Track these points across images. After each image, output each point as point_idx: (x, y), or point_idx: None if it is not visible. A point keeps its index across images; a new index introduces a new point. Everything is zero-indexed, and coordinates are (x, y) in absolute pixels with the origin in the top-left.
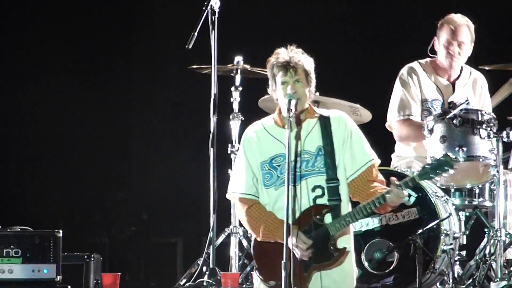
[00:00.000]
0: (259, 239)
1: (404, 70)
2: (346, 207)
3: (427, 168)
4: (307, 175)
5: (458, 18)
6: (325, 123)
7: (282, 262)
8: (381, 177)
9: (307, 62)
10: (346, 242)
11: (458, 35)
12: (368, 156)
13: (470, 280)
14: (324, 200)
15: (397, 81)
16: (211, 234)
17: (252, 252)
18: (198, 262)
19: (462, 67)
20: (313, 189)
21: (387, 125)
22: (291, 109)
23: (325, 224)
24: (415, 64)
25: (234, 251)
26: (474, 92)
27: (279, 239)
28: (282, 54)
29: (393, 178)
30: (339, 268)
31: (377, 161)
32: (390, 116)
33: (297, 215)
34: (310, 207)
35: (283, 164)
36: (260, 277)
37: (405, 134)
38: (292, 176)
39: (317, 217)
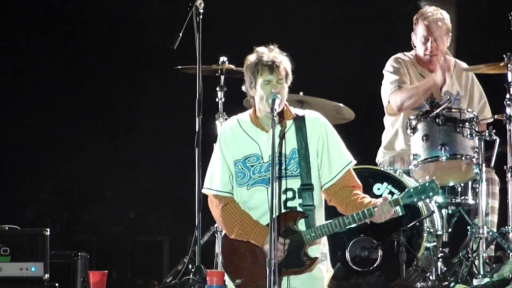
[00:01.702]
0: (231, 237)
1: (392, 60)
2: (319, 213)
3: (412, 192)
4: (285, 175)
5: (432, 12)
6: (300, 124)
7: (267, 259)
8: (358, 181)
9: (288, 63)
10: (318, 250)
11: (434, 30)
12: (345, 159)
13: (453, 277)
14: (295, 203)
15: (386, 68)
16: (196, 232)
17: (221, 249)
18: (184, 260)
19: (445, 57)
20: (285, 192)
21: (385, 107)
22: (275, 109)
23: (301, 231)
24: (401, 55)
25: (219, 249)
26: (460, 83)
27: (252, 240)
28: (265, 53)
29: (386, 196)
30: (308, 273)
31: (353, 162)
32: (383, 95)
33: (263, 216)
34: (285, 212)
35: (257, 164)
36: (227, 274)
37: (400, 102)
38: (265, 177)
39: (292, 223)
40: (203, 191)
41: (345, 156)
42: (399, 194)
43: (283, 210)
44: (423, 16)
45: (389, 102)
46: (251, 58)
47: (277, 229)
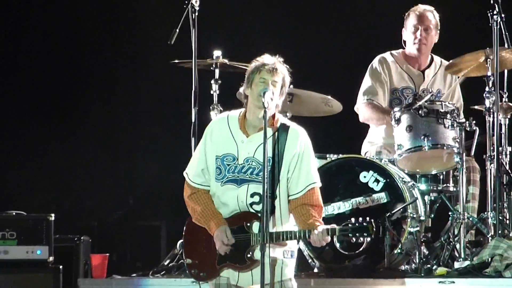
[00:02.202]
0: (193, 220)
1: (375, 60)
2: (279, 220)
3: (349, 227)
4: (249, 181)
5: (423, 6)
6: (282, 135)
7: (260, 244)
8: (320, 201)
9: (287, 75)
10: (280, 252)
11: (423, 20)
12: (311, 179)
13: (435, 260)
14: (259, 208)
15: (368, 69)
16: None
17: (184, 228)
18: (180, 244)
19: (432, 56)
20: (252, 195)
21: (355, 108)
22: (267, 102)
23: (251, 232)
24: (387, 55)
25: None
26: (444, 80)
27: (207, 228)
28: (269, 59)
29: (325, 228)
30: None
31: (318, 185)
32: (358, 100)
33: (232, 214)
34: (244, 212)
35: (232, 164)
36: (183, 252)
37: (367, 116)
38: (238, 177)
39: (247, 224)
40: (184, 174)
41: (312, 176)
42: (340, 226)
43: (250, 210)
44: (414, 8)
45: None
46: (256, 62)
47: (263, 232)
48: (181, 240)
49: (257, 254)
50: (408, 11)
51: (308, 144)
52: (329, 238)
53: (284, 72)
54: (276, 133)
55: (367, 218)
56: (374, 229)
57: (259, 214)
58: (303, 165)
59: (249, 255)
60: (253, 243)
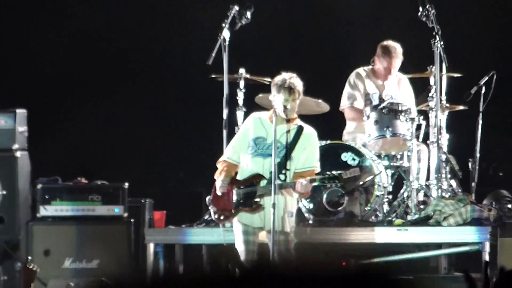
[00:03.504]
0: (215, 177)
1: (353, 74)
2: (284, 186)
3: (325, 177)
4: (271, 156)
5: (394, 50)
6: (299, 130)
7: (271, 203)
8: (309, 177)
9: (300, 86)
10: (286, 207)
11: (393, 64)
12: (313, 164)
13: (394, 214)
14: (271, 172)
15: (348, 80)
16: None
17: (214, 187)
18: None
19: (397, 73)
20: (270, 164)
21: (340, 109)
22: (287, 116)
23: (258, 186)
24: (360, 70)
25: None
26: (399, 88)
27: (221, 192)
28: (287, 78)
29: (307, 179)
30: (275, 216)
31: (317, 169)
32: (342, 103)
33: (246, 174)
34: (257, 174)
35: (261, 143)
36: (211, 203)
37: (350, 117)
38: (265, 152)
39: (258, 181)
40: (223, 156)
41: (315, 162)
42: (323, 175)
43: (264, 174)
44: (387, 51)
45: (344, 109)
46: (278, 78)
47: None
48: (208, 197)
49: (261, 201)
50: (382, 48)
51: (316, 140)
52: (311, 186)
53: (298, 87)
54: (296, 128)
55: (338, 171)
56: (385, 154)
57: (262, 175)
58: (310, 152)
59: (255, 200)
60: (258, 192)
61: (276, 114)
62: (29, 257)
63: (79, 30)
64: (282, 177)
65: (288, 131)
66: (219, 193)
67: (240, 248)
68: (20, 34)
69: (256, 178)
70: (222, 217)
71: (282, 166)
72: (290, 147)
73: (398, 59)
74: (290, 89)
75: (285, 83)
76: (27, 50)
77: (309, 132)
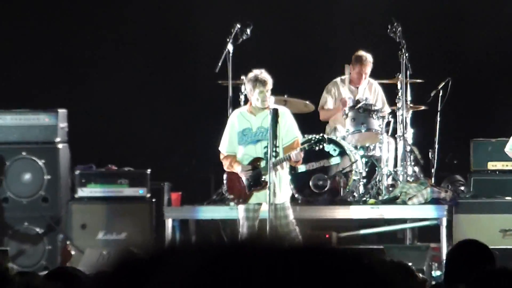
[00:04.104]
0: (227, 170)
1: (330, 83)
2: (279, 160)
3: (312, 142)
4: (261, 140)
5: (365, 59)
6: (274, 112)
7: (269, 185)
8: (299, 147)
9: (270, 79)
10: (274, 176)
11: (365, 70)
12: (294, 135)
13: (368, 195)
14: (266, 153)
15: (326, 88)
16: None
17: (225, 177)
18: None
19: (369, 80)
20: (264, 147)
21: (319, 109)
22: (261, 106)
23: (260, 168)
24: (337, 79)
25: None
26: (370, 92)
27: (235, 171)
28: (259, 74)
29: (299, 148)
30: (281, 192)
31: (299, 137)
32: (319, 106)
33: (248, 160)
34: (257, 157)
35: (248, 133)
36: (227, 191)
37: (322, 116)
38: (254, 139)
39: (258, 163)
40: (219, 149)
41: (295, 132)
42: (307, 144)
43: (261, 156)
44: (360, 60)
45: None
46: (251, 75)
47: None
48: (225, 188)
49: (266, 179)
50: (355, 57)
51: (290, 115)
52: (302, 154)
53: (269, 80)
54: (272, 111)
55: (321, 135)
56: (360, 145)
57: (261, 157)
58: (288, 127)
59: (262, 179)
60: (262, 171)
61: (253, 108)
62: (68, 242)
63: (112, 40)
64: (274, 154)
65: (264, 117)
66: (243, 178)
67: (242, 223)
68: (57, 42)
69: (256, 161)
70: (241, 200)
71: (273, 145)
72: (273, 129)
73: (368, 66)
74: (263, 82)
75: (258, 78)
76: (64, 56)
77: (283, 110)
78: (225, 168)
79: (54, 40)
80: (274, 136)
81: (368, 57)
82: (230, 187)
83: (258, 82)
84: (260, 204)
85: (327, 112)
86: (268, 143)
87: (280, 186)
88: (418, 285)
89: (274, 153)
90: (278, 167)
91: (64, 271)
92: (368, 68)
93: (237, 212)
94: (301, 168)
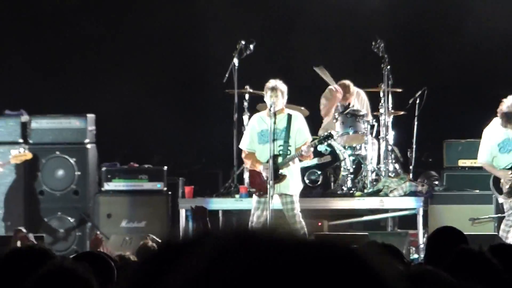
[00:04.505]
0: (249, 168)
1: (327, 89)
2: (292, 157)
3: (321, 138)
4: (277, 139)
5: (348, 90)
6: (289, 116)
7: (270, 181)
8: (308, 143)
9: (282, 86)
10: (287, 171)
11: (348, 96)
12: (306, 137)
13: (355, 188)
14: (282, 152)
15: (323, 96)
16: (235, 167)
17: (248, 174)
18: (231, 183)
19: (358, 91)
20: (279, 146)
21: (322, 114)
22: (273, 108)
23: (278, 163)
24: (332, 87)
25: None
26: (358, 100)
27: (256, 168)
28: (272, 82)
29: (306, 145)
30: (285, 182)
31: (309, 139)
32: (322, 112)
33: (267, 159)
34: (275, 155)
35: (265, 133)
36: (250, 186)
37: (324, 112)
38: (273, 139)
39: (275, 160)
40: (240, 147)
41: (306, 135)
42: (316, 140)
43: (276, 153)
44: (349, 91)
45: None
46: (267, 83)
47: (272, 173)
48: (246, 182)
49: (283, 172)
50: (340, 85)
51: (302, 119)
52: (312, 148)
53: (280, 87)
54: (287, 116)
55: (329, 131)
56: (348, 145)
57: (278, 154)
58: (300, 130)
59: (280, 173)
60: (280, 167)
61: (270, 111)
62: (98, 232)
63: (133, 52)
64: (288, 152)
65: (280, 120)
66: (264, 175)
67: (253, 212)
68: (85, 55)
69: (274, 158)
70: (261, 192)
71: (286, 144)
72: (287, 130)
73: (351, 94)
74: (273, 89)
75: (269, 85)
76: (91, 67)
77: (296, 115)
78: (247, 166)
79: (83, 53)
80: (288, 136)
81: (351, 87)
82: (252, 182)
83: (268, 88)
84: (275, 195)
85: (328, 105)
86: (283, 142)
87: (292, 178)
88: (406, 265)
89: (287, 151)
90: (290, 162)
91: (90, 254)
92: (352, 95)
93: (242, 203)
94: (313, 161)
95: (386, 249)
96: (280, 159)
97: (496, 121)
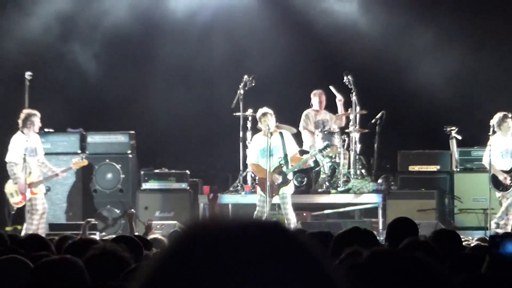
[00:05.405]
0: (258, 176)
1: (304, 113)
2: (289, 166)
3: (319, 150)
4: (275, 154)
5: (320, 95)
6: (281, 134)
7: (276, 184)
8: (299, 156)
9: (270, 111)
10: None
11: (322, 99)
12: (294, 150)
13: (331, 187)
14: (282, 162)
15: (303, 116)
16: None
17: (256, 179)
18: (238, 184)
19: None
20: (279, 158)
21: (300, 129)
22: (270, 130)
23: (284, 171)
24: (309, 110)
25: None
26: (332, 122)
27: (261, 176)
28: (263, 110)
29: (309, 155)
30: (289, 186)
31: (297, 150)
32: (300, 127)
33: (272, 169)
34: (279, 165)
35: (264, 151)
36: (259, 188)
37: (304, 135)
38: (271, 154)
39: (281, 169)
40: (247, 161)
41: (295, 148)
42: (315, 150)
43: (277, 164)
44: (317, 93)
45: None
46: (258, 112)
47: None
48: (258, 188)
49: (289, 176)
50: (313, 94)
51: (289, 135)
52: (312, 160)
53: (269, 111)
54: (279, 133)
55: (328, 142)
56: (328, 147)
57: (282, 164)
58: (289, 145)
59: (287, 179)
60: (287, 173)
61: (265, 132)
62: (132, 210)
63: (164, 77)
64: (287, 161)
65: (275, 138)
66: (275, 182)
67: (257, 208)
68: (126, 80)
69: (280, 167)
70: (274, 194)
71: (285, 157)
72: (283, 146)
73: (322, 98)
74: (263, 114)
75: (260, 113)
76: (130, 91)
77: (285, 132)
78: (257, 175)
79: (126, 80)
80: (284, 149)
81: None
82: (261, 185)
83: (261, 115)
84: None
85: (308, 132)
86: (278, 156)
87: (289, 184)
88: (378, 245)
89: (284, 161)
90: (298, 167)
91: (125, 237)
92: (323, 99)
93: (246, 199)
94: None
95: (366, 233)
96: (285, 168)
97: (497, 135)
